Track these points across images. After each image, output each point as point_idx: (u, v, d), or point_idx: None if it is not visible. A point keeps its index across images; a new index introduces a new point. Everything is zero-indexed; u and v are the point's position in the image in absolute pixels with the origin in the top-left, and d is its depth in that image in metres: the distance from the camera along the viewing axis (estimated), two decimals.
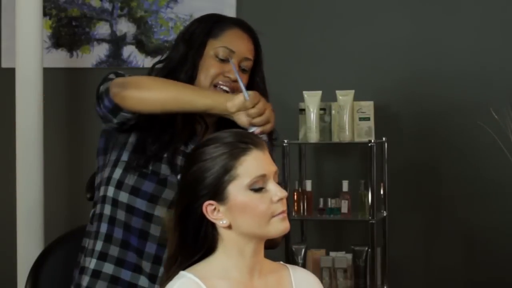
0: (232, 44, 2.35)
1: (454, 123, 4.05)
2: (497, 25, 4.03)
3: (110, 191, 2.31)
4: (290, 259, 3.82)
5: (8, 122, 4.01)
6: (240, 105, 2.14)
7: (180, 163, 2.28)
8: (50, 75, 4.07)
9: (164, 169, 2.27)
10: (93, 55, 4.38)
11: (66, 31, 4.41)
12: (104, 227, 2.31)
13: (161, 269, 2.25)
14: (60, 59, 4.39)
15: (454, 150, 4.05)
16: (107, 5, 4.38)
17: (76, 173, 4.31)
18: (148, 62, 4.32)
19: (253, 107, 2.15)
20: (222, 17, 2.43)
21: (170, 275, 1.84)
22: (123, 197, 2.28)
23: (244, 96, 2.16)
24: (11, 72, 3.96)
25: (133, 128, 2.30)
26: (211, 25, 2.38)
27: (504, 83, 3.96)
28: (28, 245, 3.73)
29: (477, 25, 4.04)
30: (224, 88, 2.33)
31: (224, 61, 2.34)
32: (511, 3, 4.01)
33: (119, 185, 2.29)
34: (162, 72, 2.36)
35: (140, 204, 2.27)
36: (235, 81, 2.31)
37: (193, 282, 1.80)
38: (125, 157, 2.30)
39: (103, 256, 2.30)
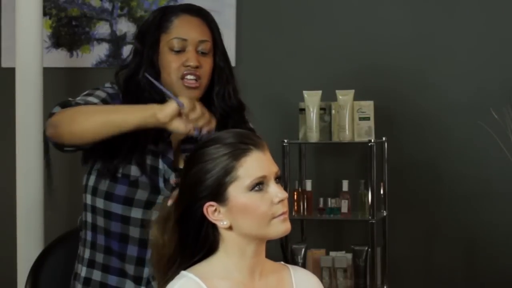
0: (182, 33, 2.32)
1: (454, 123, 4.05)
2: (497, 25, 4.03)
3: (88, 199, 2.33)
4: (290, 259, 3.82)
5: (8, 122, 4.01)
6: (173, 113, 2.10)
7: (150, 162, 2.27)
8: (50, 75, 4.06)
9: (134, 171, 2.27)
10: (93, 55, 4.38)
11: (66, 31, 4.41)
12: (89, 235, 2.33)
13: (145, 270, 2.26)
14: (60, 59, 4.39)
15: (454, 150, 4.05)
16: (107, 5, 4.38)
17: (76, 173, 4.30)
18: None
19: (191, 111, 2.12)
20: (169, 9, 2.38)
21: (169, 276, 1.84)
22: (99, 203, 2.30)
23: (177, 103, 2.11)
24: (11, 72, 3.96)
25: None
26: (159, 20, 2.35)
27: (504, 83, 3.96)
28: (28, 245, 3.73)
29: (477, 25, 4.04)
30: (190, 77, 2.30)
31: (181, 51, 2.31)
32: (511, 3, 4.02)
33: (94, 192, 2.30)
34: (125, 78, 2.35)
35: (116, 208, 2.27)
36: (197, 67, 2.30)
37: (194, 282, 1.80)
38: (98, 164, 2.31)
39: (91, 264, 2.32)
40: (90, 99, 2.28)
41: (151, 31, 2.34)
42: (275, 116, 4.15)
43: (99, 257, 2.30)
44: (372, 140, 3.81)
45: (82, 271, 2.33)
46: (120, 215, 2.26)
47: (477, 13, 4.04)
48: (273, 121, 4.13)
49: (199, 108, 2.13)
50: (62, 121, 2.19)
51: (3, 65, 4.41)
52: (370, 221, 3.78)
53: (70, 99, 2.29)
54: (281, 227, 1.82)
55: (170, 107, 2.11)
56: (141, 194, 2.26)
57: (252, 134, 1.88)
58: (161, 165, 2.26)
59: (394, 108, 4.09)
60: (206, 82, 2.33)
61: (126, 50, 4.35)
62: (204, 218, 1.82)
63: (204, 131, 2.13)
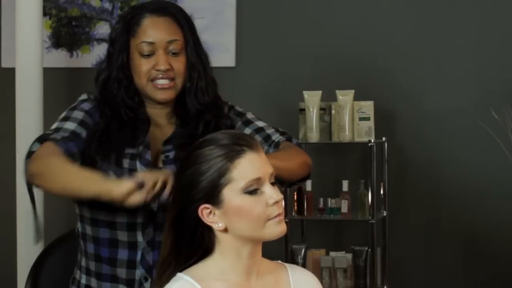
0: (149, 36, 2.27)
1: (454, 123, 4.05)
2: (497, 25, 4.03)
3: (76, 208, 2.33)
4: (290, 259, 3.82)
5: (8, 122, 4.00)
6: (129, 192, 2.02)
7: (128, 165, 2.25)
8: (50, 75, 4.06)
9: (113, 175, 2.23)
10: (93, 55, 4.38)
11: (66, 31, 4.41)
12: (82, 244, 2.33)
13: (137, 272, 2.25)
14: (60, 59, 4.39)
15: (454, 150, 4.05)
16: (107, 5, 4.38)
17: None
18: None
19: (154, 185, 2.05)
20: (137, 9, 2.33)
21: (163, 281, 1.83)
22: (86, 211, 2.29)
23: (137, 181, 2.02)
24: (11, 72, 3.96)
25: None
26: (127, 23, 2.31)
27: (504, 83, 3.96)
28: (28, 245, 3.73)
29: (477, 25, 4.04)
30: (161, 82, 2.27)
31: (150, 55, 2.27)
32: (510, 3, 4.02)
33: (80, 201, 2.30)
34: (100, 85, 2.33)
35: (101, 214, 2.26)
36: (169, 69, 2.26)
37: (190, 284, 1.79)
38: None
39: (88, 272, 2.32)
40: (67, 125, 2.26)
41: (120, 35, 2.31)
42: (275, 116, 4.14)
43: (92, 265, 2.30)
44: (372, 140, 3.81)
45: (82, 278, 2.33)
46: (106, 221, 2.26)
47: (477, 13, 4.04)
48: (273, 121, 4.11)
49: (160, 180, 2.05)
50: (36, 175, 2.19)
51: (3, 65, 4.41)
52: (370, 221, 3.79)
53: (48, 132, 2.28)
54: (276, 229, 1.80)
55: (126, 186, 2.02)
56: None
57: (246, 135, 1.87)
58: (139, 167, 2.25)
59: (394, 108, 4.09)
60: (181, 82, 2.30)
61: None
62: (199, 220, 1.81)
63: (166, 194, 2.06)
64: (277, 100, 4.19)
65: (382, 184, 3.97)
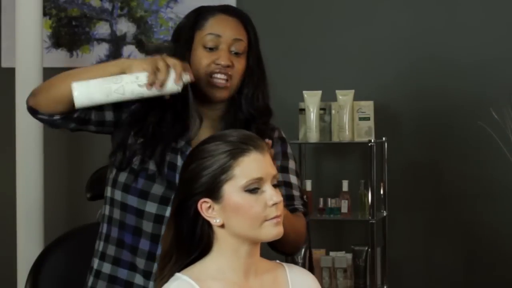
0: (217, 29, 2.28)
1: (454, 123, 4.05)
2: (497, 25, 4.03)
3: (108, 191, 2.31)
4: (290, 259, 3.82)
5: (8, 122, 4.01)
6: (149, 68, 2.13)
7: (169, 159, 2.25)
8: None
9: (152, 165, 2.25)
10: (93, 55, 4.38)
11: (66, 31, 4.41)
12: (104, 228, 2.32)
13: (155, 266, 2.25)
14: (60, 59, 4.39)
15: (454, 150, 4.05)
16: (107, 5, 4.38)
17: (76, 173, 4.31)
18: None
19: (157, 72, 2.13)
20: (206, 8, 2.36)
21: (165, 275, 1.83)
22: (117, 195, 2.28)
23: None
24: (11, 72, 3.96)
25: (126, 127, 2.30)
26: (195, 17, 2.32)
27: (504, 83, 3.97)
28: (28, 245, 3.73)
29: (478, 24, 4.05)
30: (220, 76, 2.26)
31: (213, 49, 2.27)
32: (511, 3, 4.02)
33: (114, 184, 2.29)
34: None
35: (131, 200, 2.25)
36: (229, 66, 2.27)
37: (188, 284, 1.80)
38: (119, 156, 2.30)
39: (102, 256, 2.30)
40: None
41: (186, 28, 2.32)
42: (275, 116, 4.13)
43: (111, 250, 2.29)
44: (372, 140, 3.81)
45: (95, 263, 2.32)
46: (135, 208, 2.25)
47: (478, 13, 4.05)
48: (273, 121, 4.12)
49: (162, 64, 2.12)
50: (40, 89, 2.24)
51: (3, 65, 4.41)
52: (370, 221, 3.79)
53: None
54: (272, 231, 1.80)
55: (146, 62, 2.14)
56: (157, 189, 2.24)
57: (255, 136, 1.87)
58: (180, 162, 2.25)
59: (394, 108, 4.10)
60: (236, 83, 2.30)
61: (126, 50, 4.35)
62: (198, 214, 1.82)
63: (185, 77, 2.14)
64: (277, 100, 4.17)
65: (382, 184, 3.97)
